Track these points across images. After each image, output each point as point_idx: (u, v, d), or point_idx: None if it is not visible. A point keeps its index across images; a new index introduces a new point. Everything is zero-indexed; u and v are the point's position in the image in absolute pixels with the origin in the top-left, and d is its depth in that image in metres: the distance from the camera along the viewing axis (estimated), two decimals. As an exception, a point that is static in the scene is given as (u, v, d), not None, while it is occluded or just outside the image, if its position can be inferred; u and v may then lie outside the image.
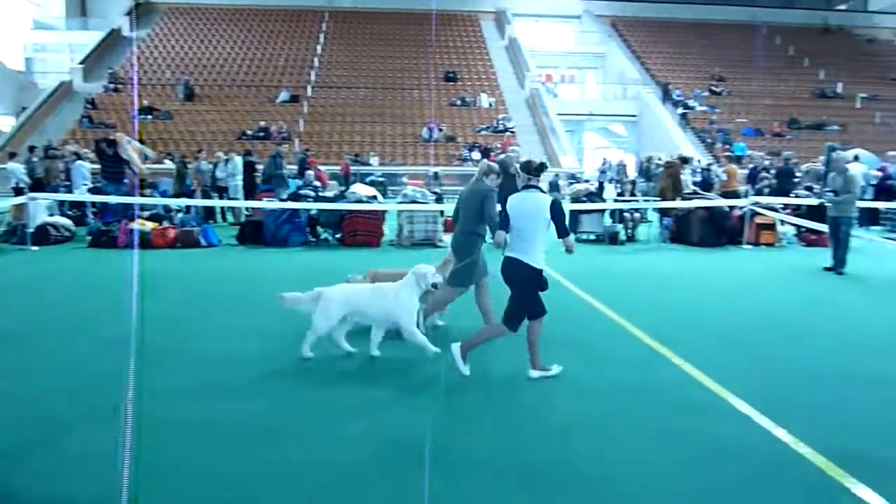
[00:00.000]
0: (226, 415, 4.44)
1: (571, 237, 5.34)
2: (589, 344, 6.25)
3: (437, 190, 16.10)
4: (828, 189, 10.40)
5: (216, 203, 15.50)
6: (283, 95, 31.44)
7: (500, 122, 30.35)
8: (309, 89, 32.36)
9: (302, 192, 13.27)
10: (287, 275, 9.81)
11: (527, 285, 5.07)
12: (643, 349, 6.09)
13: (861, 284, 9.38)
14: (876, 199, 15.52)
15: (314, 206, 12.75)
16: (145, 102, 30.00)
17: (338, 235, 12.63)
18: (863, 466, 3.74)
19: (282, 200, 12.66)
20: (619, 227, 13.27)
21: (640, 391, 5.02)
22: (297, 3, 38.70)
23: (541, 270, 5.04)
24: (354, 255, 11.53)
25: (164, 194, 15.37)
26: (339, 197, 13.33)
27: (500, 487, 3.54)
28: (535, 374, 5.17)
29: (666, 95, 33.37)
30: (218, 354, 5.74)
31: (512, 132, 29.71)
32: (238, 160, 16.57)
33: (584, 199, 13.57)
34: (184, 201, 14.48)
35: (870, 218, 15.86)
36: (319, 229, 12.89)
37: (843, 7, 43.52)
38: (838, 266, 9.82)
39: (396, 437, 4.14)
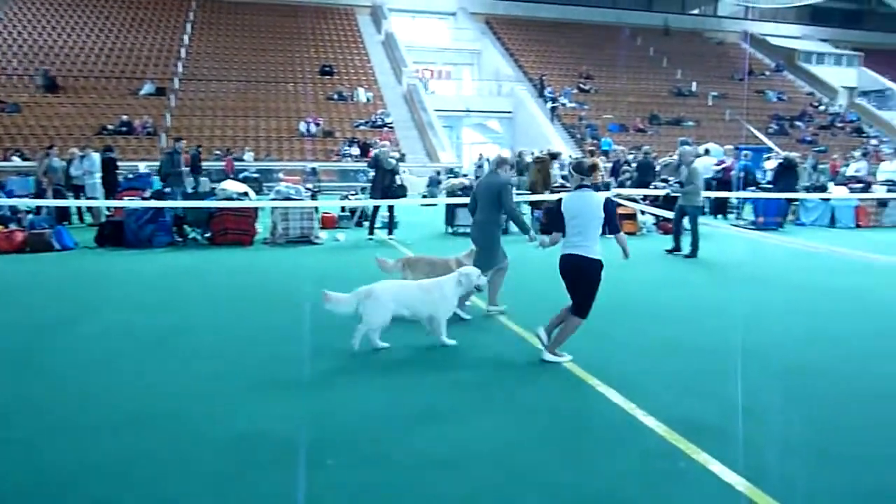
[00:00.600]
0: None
1: (623, 235, 5.49)
2: (460, 333, 6.40)
3: (309, 186, 15.82)
4: (676, 180, 11.21)
5: (71, 203, 14.44)
6: (148, 87, 29.68)
7: (379, 116, 30.28)
8: (176, 81, 30.77)
9: (166, 189, 12.64)
10: (148, 277, 9.33)
11: (591, 278, 5.33)
12: (512, 336, 6.32)
13: (707, 268, 10.19)
14: (717, 190, 16.84)
15: (179, 205, 12.17)
16: (-11, 95, 27.38)
17: (207, 234, 12.14)
18: (700, 433, 4.09)
19: (144, 199, 11.98)
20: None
21: (509, 375, 5.22)
22: (161, -9, 36.68)
23: (600, 261, 5.31)
24: (225, 254, 11.14)
25: (10, 194, 14.14)
26: (209, 194, 12.81)
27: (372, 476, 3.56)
28: (550, 357, 5.42)
29: (539, 92, 34.58)
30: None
31: (390, 127, 29.73)
32: (95, 156, 15.50)
33: (459, 192, 13.82)
34: (34, 201, 13.39)
35: (717, 207, 17.25)
36: (187, 228, 12.33)
37: (695, 11, 46.85)
38: (684, 250, 10.73)
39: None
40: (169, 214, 11.92)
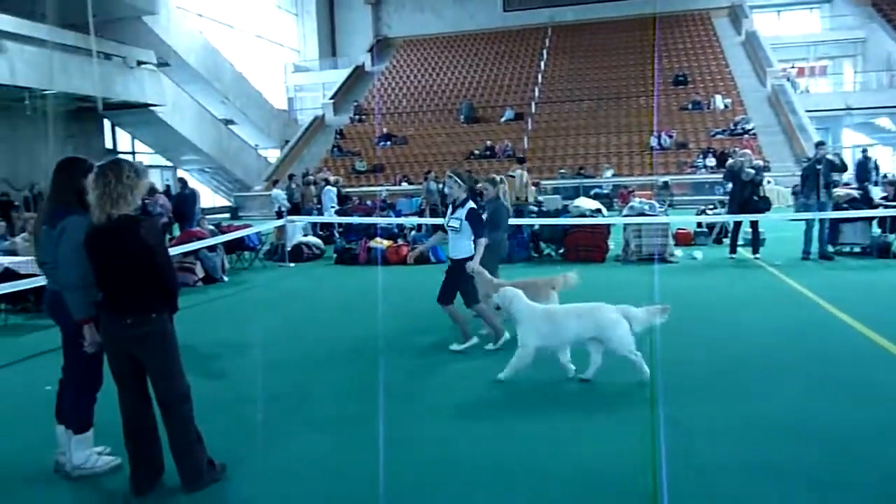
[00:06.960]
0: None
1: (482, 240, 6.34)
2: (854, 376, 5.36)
3: (655, 202, 15.10)
4: None
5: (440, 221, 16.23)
6: (508, 114, 32.14)
7: (738, 123, 28.00)
8: (533, 106, 32.70)
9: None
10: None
11: None
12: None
13: None
14: None
15: (537, 222, 12.71)
16: (385, 130, 32.50)
17: (561, 251, 12.44)
18: None
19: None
20: (893, 237, 11.32)
21: None
22: (519, 23, 39.49)
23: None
24: (578, 270, 11.21)
25: (399, 214, 16.42)
26: (562, 211, 13.17)
27: None
28: None
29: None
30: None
31: (752, 134, 27.23)
32: (332, 190, 17.09)
33: (845, 205, 11.82)
34: (415, 220, 15.36)
35: None
36: (542, 244, 12.82)
37: None
38: None
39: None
40: (526, 232, 12.52)
